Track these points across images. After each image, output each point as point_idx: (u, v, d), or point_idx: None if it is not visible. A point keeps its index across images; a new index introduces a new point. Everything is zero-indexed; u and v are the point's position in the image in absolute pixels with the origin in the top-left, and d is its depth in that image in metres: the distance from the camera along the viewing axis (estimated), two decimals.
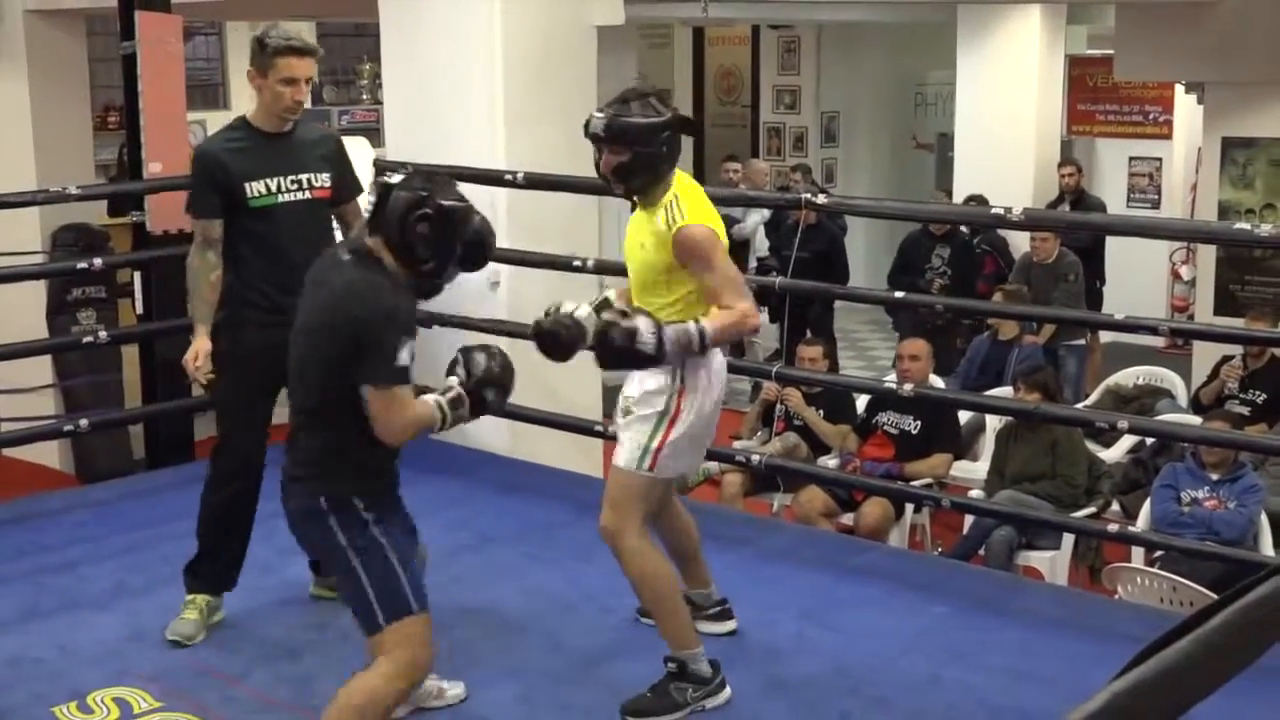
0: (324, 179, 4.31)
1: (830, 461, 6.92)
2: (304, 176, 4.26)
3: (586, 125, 3.78)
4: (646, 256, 3.80)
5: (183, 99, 6.38)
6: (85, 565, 4.82)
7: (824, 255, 9.31)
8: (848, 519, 6.53)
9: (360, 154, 6.53)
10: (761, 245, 10.24)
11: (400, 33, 6.38)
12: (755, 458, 5.88)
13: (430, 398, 3.40)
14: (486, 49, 5.98)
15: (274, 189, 4.22)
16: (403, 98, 6.42)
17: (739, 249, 10.04)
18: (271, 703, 3.89)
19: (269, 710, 3.87)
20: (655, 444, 3.79)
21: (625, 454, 3.84)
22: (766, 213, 10.07)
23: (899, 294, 7.54)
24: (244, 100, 13.06)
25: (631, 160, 3.73)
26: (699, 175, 14.39)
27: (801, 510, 6.49)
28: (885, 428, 6.76)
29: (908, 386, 5.88)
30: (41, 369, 7.57)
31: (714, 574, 4.86)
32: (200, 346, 4.25)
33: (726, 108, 15.07)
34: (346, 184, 4.44)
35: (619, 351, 3.65)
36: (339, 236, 4.29)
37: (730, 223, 10.00)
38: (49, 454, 7.55)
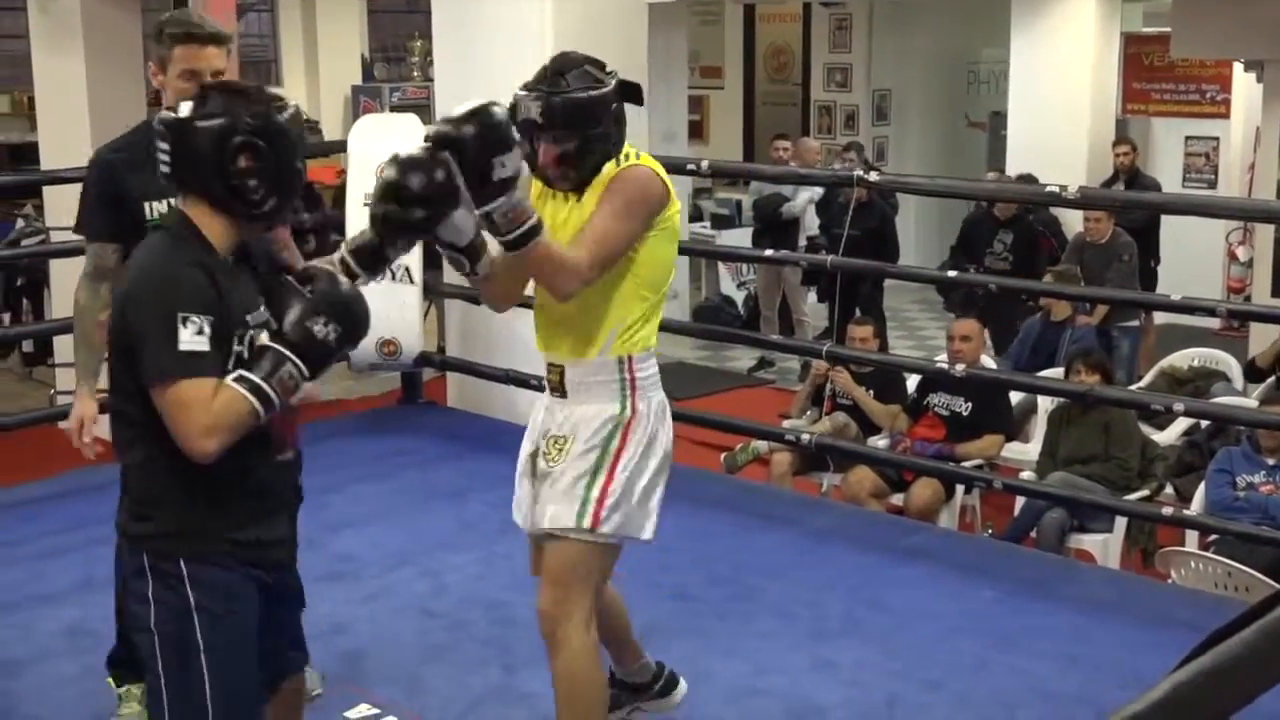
0: None
1: (880, 442, 6.88)
2: None
3: (513, 110, 2.96)
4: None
5: (235, 76, 6.41)
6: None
7: (875, 233, 9.25)
8: (897, 499, 6.49)
9: (411, 131, 6.54)
10: (812, 223, 10.18)
11: (452, 10, 6.38)
12: (805, 437, 5.86)
13: (230, 379, 2.46)
14: (538, 26, 5.97)
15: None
16: (454, 75, 6.42)
17: (789, 227, 10.01)
18: (323, 676, 3.90)
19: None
20: (595, 493, 3.05)
21: (558, 511, 3.06)
22: (818, 191, 10.02)
23: (951, 273, 7.49)
24: (297, 78, 13.17)
25: (580, 146, 3.02)
26: (749, 153, 14.39)
27: (851, 490, 6.47)
28: (936, 408, 6.72)
29: (959, 367, 5.84)
30: None
31: (764, 554, 4.85)
32: (87, 411, 3.52)
33: (777, 86, 14.99)
34: None
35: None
36: None
37: (780, 201, 10.00)
38: (103, 427, 7.62)
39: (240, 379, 2.44)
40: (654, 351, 3.18)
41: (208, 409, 2.42)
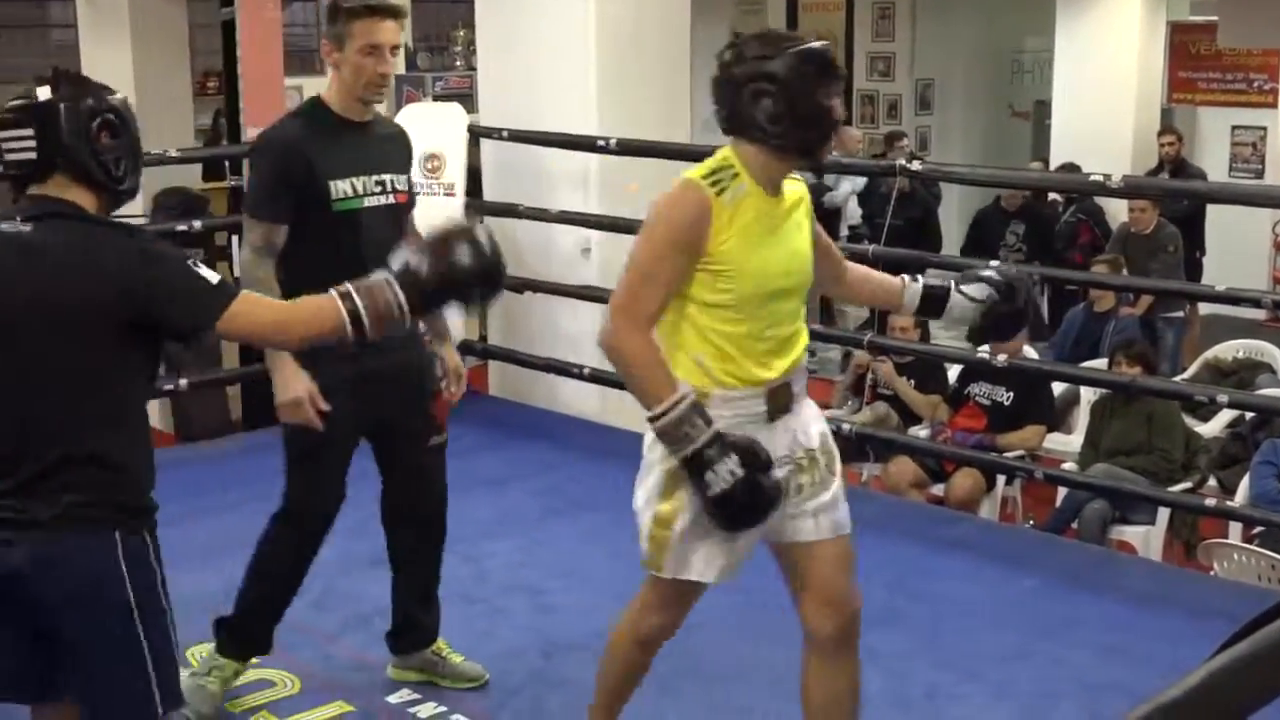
0: (404, 182, 3.63)
1: (921, 432, 6.87)
2: (387, 177, 3.56)
3: (834, 60, 2.90)
4: (809, 242, 2.95)
5: (280, 65, 6.47)
6: (183, 522, 4.85)
7: (918, 223, 9.24)
8: (938, 490, 6.48)
9: (454, 120, 6.56)
10: (854, 213, 10.16)
11: (495, 1, 6.39)
12: (845, 427, 5.85)
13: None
14: (580, 15, 5.97)
15: (359, 190, 3.49)
16: (496, 64, 6.44)
17: (831, 217, 9.98)
18: (366, 661, 3.94)
19: (363, 669, 3.93)
20: None
21: (847, 508, 3.07)
22: (860, 181, 9.99)
23: (993, 263, 7.45)
24: None
25: None
26: None
27: (891, 480, 6.45)
28: (977, 398, 6.70)
29: (1001, 357, 5.82)
30: None
31: None
32: (309, 383, 3.39)
33: None
34: (413, 190, 3.73)
35: None
36: None
37: (822, 190, 9.97)
38: (150, 412, 7.70)
39: (348, 291, 2.56)
40: None
41: (268, 309, 2.64)
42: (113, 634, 2.55)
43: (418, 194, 3.78)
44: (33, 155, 2.57)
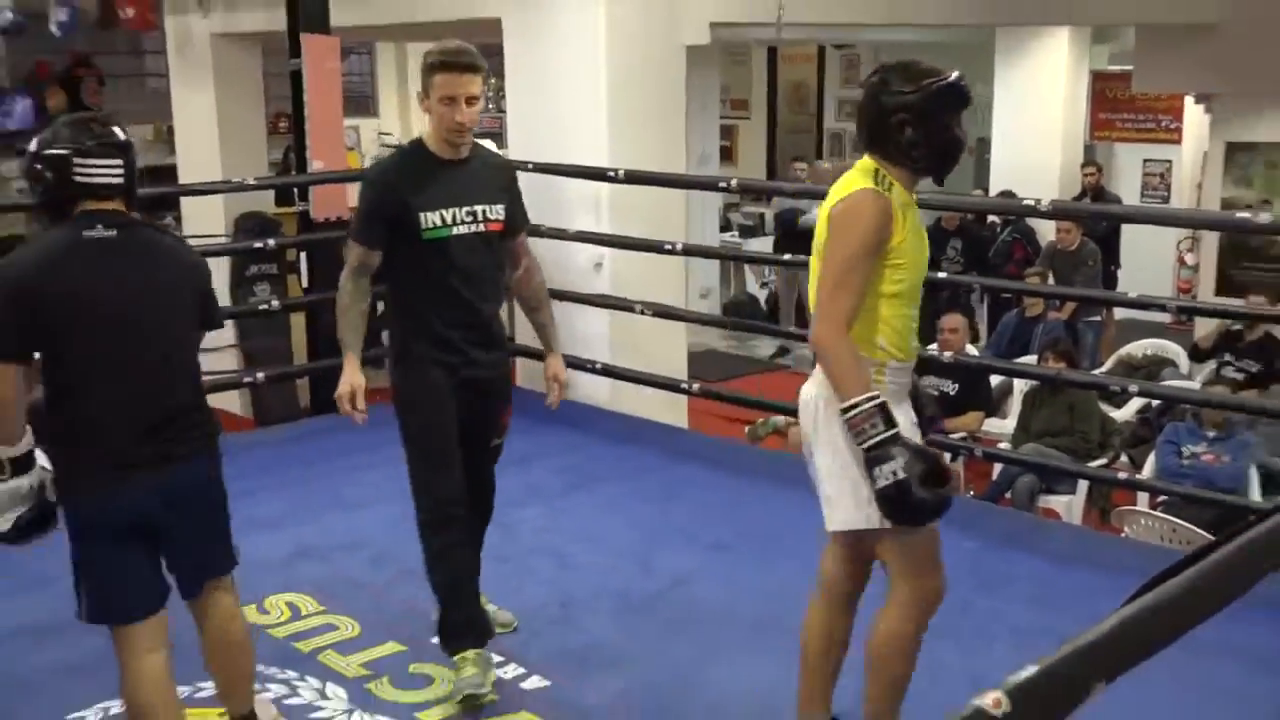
0: (498, 211, 3.45)
1: None
2: (479, 208, 3.41)
3: (967, 91, 2.79)
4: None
5: (340, 108, 6.46)
6: (261, 493, 4.93)
7: None
8: None
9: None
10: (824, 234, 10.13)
11: (521, 54, 6.41)
12: None
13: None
14: (592, 67, 5.99)
15: (448, 220, 3.36)
16: (522, 108, 6.46)
17: (805, 236, 9.95)
18: (415, 609, 3.96)
19: (412, 615, 3.95)
20: None
21: None
22: None
23: (941, 274, 7.46)
24: (390, 109, 13.22)
25: None
26: (771, 173, 14.34)
27: None
28: (927, 389, 6.71)
29: (947, 354, 5.83)
30: (225, 332, 7.72)
31: (782, 511, 4.87)
32: (357, 381, 3.36)
33: (796, 116, 14.94)
34: (518, 217, 3.57)
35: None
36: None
37: (798, 213, 9.98)
38: (232, 402, 7.71)
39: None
40: None
41: None
42: (220, 520, 2.91)
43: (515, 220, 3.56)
44: (120, 181, 2.69)
